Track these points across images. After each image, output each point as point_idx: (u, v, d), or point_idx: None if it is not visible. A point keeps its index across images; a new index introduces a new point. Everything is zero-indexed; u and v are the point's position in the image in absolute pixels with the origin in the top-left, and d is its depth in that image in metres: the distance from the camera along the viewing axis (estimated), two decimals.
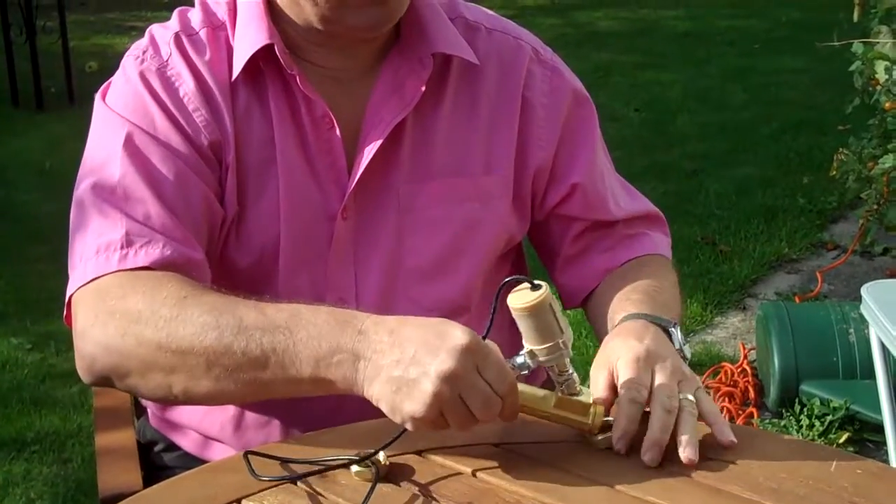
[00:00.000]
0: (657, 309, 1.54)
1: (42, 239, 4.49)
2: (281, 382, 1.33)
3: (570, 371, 1.35)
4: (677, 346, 1.48)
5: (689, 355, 1.49)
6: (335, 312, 1.33)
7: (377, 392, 1.27)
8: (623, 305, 1.57)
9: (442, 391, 1.24)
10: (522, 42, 1.69)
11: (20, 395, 3.60)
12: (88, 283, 1.45)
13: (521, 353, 1.33)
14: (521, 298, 1.28)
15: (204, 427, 1.66)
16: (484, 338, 1.29)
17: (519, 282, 1.30)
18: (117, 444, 1.75)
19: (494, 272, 1.70)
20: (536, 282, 1.29)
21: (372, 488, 1.29)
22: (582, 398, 1.36)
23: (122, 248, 1.45)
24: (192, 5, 1.64)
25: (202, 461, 1.64)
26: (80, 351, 1.44)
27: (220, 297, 1.39)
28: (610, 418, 1.36)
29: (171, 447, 1.73)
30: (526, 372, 1.33)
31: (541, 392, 1.36)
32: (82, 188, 1.52)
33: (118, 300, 1.41)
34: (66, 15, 6.65)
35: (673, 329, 1.50)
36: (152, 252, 1.45)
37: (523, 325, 1.30)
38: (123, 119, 1.54)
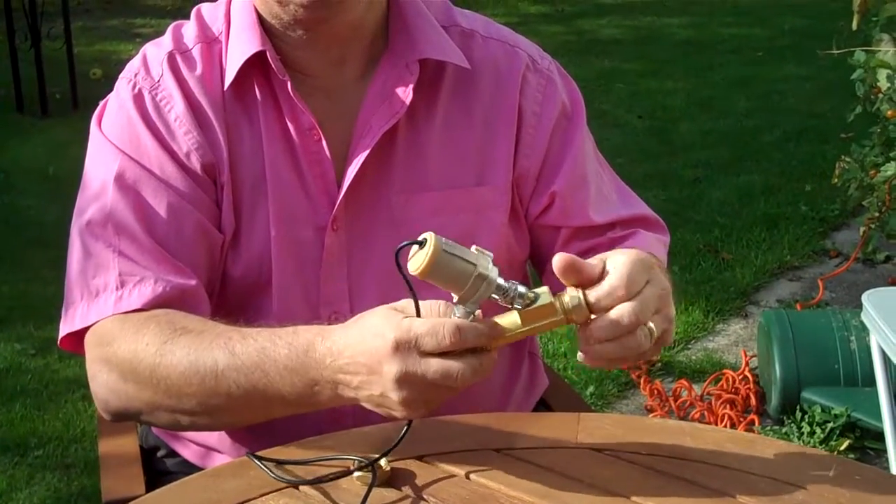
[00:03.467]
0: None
1: (45, 244, 4.49)
2: (276, 408, 1.41)
3: (509, 285, 1.26)
4: None
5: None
6: (292, 344, 1.36)
7: (367, 405, 1.33)
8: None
9: (407, 395, 1.26)
10: (519, 49, 1.67)
11: (23, 400, 3.61)
12: (90, 326, 1.51)
13: (454, 304, 1.26)
14: (414, 263, 1.22)
15: (202, 438, 1.67)
16: (418, 314, 1.26)
17: (408, 247, 1.24)
18: (120, 449, 1.76)
19: None
20: (421, 238, 1.23)
21: (367, 493, 1.30)
22: (541, 300, 1.27)
23: (116, 289, 1.50)
24: (188, 16, 1.65)
25: (203, 468, 1.64)
26: (94, 393, 1.52)
27: (195, 342, 1.42)
28: (579, 295, 1.27)
29: (174, 453, 1.74)
30: (472, 317, 1.26)
31: (502, 319, 1.28)
32: (78, 223, 1.55)
33: (111, 348, 1.47)
34: (70, 21, 6.66)
35: None
36: (144, 291, 1.49)
37: (435, 283, 1.24)
38: (116, 149, 1.56)
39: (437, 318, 1.25)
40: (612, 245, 1.64)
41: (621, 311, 1.26)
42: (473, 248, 1.25)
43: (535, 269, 1.76)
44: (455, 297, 1.26)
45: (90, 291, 1.51)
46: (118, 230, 1.52)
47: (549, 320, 1.28)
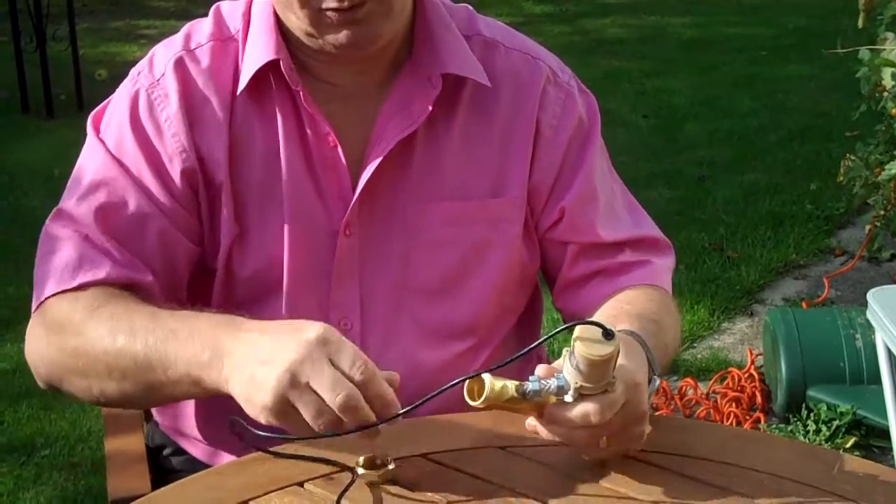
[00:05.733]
0: (655, 345, 1.46)
1: None
2: (168, 384, 1.40)
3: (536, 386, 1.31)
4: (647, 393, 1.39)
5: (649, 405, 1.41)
6: (224, 317, 1.38)
7: (236, 387, 1.32)
8: (621, 317, 1.50)
9: (283, 378, 1.26)
10: (541, 62, 1.66)
11: (30, 400, 3.61)
12: (42, 302, 1.54)
13: (563, 377, 1.28)
14: (593, 346, 1.25)
15: (207, 435, 1.68)
16: (501, 365, 1.29)
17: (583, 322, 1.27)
18: (126, 448, 1.76)
19: (511, 300, 1.68)
20: (609, 327, 1.25)
21: (345, 490, 1.31)
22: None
23: (72, 270, 1.52)
24: (192, 17, 1.65)
25: (210, 466, 1.65)
26: (28, 361, 1.55)
27: (127, 307, 1.45)
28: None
29: (180, 451, 1.74)
30: (561, 397, 1.29)
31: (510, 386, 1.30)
32: (54, 211, 1.58)
33: (49, 315, 1.51)
34: (75, 23, 6.67)
35: (655, 378, 1.42)
36: (98, 273, 1.51)
37: (585, 368, 1.27)
38: (102, 146, 1.58)
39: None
40: (622, 271, 1.65)
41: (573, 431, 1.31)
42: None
43: (546, 285, 1.75)
44: (573, 382, 1.28)
45: (49, 273, 1.54)
46: (84, 222, 1.54)
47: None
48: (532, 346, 1.32)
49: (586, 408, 1.28)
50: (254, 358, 1.30)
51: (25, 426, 3.49)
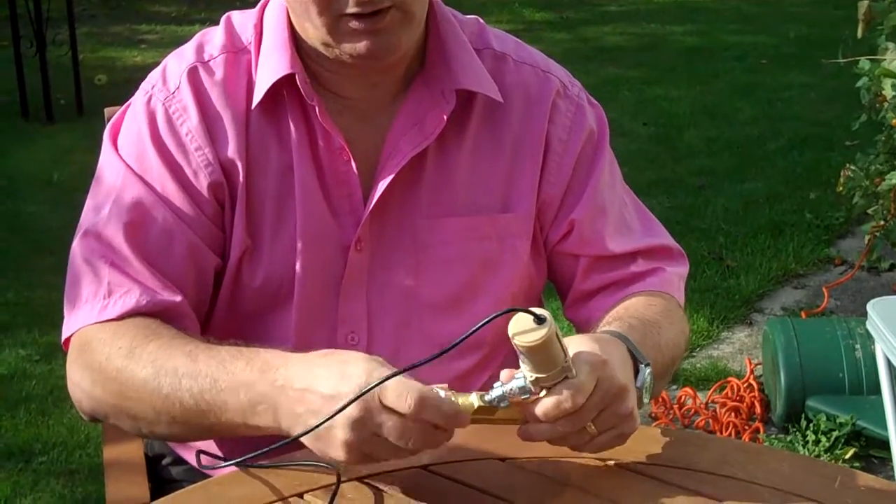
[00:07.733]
0: (643, 342, 1.46)
1: (50, 251, 4.49)
2: (223, 427, 1.39)
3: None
4: (638, 384, 1.40)
5: (646, 399, 1.41)
6: (251, 360, 1.37)
7: (303, 439, 1.30)
8: (610, 322, 1.52)
9: (353, 438, 1.25)
10: (550, 75, 1.66)
11: (28, 406, 3.61)
12: (76, 332, 1.53)
13: (521, 375, 1.29)
14: (526, 335, 1.24)
15: (206, 444, 1.66)
16: (436, 356, 1.27)
17: (514, 311, 1.26)
18: (125, 456, 1.76)
19: None
20: (539, 312, 1.25)
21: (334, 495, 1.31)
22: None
23: (103, 298, 1.51)
24: (193, 22, 1.64)
25: (209, 476, 1.64)
26: (71, 394, 1.54)
27: (163, 347, 1.43)
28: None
29: (179, 461, 1.74)
30: (527, 396, 1.29)
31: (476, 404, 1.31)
32: (79, 235, 1.57)
33: (89, 352, 1.49)
34: (76, 27, 6.66)
35: (643, 367, 1.41)
36: (128, 302, 1.50)
37: (529, 357, 1.27)
38: (122, 162, 1.56)
39: (405, 380, 1.25)
40: (634, 280, 1.65)
41: (556, 425, 1.30)
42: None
43: (559, 298, 1.75)
44: (528, 374, 1.28)
45: (81, 298, 1.53)
46: (113, 242, 1.53)
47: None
48: (458, 340, 1.29)
49: (557, 396, 1.27)
50: (310, 415, 1.29)
51: (23, 432, 3.49)
